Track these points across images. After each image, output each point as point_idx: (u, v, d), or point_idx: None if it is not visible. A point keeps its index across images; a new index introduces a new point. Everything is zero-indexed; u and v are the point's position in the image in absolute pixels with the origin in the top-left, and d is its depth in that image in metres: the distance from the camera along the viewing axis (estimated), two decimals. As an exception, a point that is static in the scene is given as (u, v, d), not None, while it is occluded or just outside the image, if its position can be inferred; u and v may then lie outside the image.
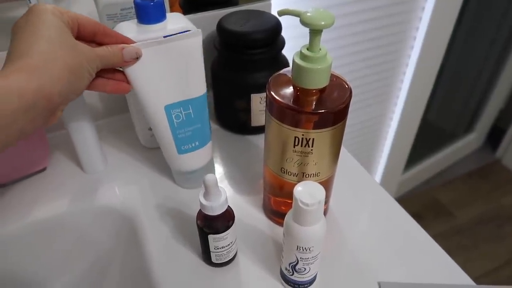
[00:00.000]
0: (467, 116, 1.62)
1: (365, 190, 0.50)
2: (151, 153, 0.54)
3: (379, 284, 0.40)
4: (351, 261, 0.42)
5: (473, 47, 1.33)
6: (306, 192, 0.32)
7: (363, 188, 0.51)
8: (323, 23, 0.32)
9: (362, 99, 0.93)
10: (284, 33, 0.54)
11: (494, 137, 1.72)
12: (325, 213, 0.46)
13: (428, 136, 1.47)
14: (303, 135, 0.36)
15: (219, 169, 0.53)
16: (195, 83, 0.43)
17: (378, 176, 1.18)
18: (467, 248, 1.38)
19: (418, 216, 1.52)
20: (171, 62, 0.40)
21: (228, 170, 0.53)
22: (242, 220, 0.46)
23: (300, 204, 0.32)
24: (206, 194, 0.36)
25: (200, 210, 0.37)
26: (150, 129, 0.53)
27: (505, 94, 1.62)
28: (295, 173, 0.39)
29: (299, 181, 0.38)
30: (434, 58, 0.97)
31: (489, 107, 1.59)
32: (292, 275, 0.37)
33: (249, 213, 0.47)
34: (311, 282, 0.38)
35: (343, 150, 0.55)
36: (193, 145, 0.46)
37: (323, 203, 0.32)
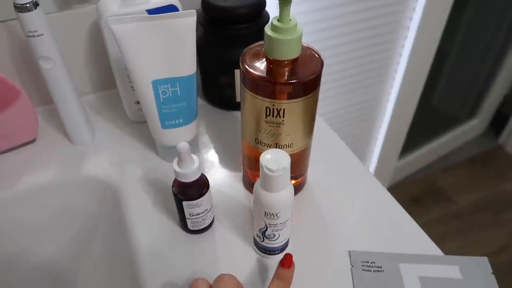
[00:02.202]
0: (470, 101, 1.60)
1: (343, 164, 0.51)
2: (138, 127, 0.55)
3: (349, 253, 0.41)
4: (324, 231, 0.43)
5: (478, 30, 1.31)
6: (272, 159, 0.33)
7: (341, 163, 0.51)
8: (291, -7, 0.33)
9: (357, 80, 0.93)
10: (271, 11, 0.54)
11: (497, 123, 1.70)
12: (302, 186, 0.47)
13: (430, 120, 1.46)
14: (273, 105, 0.36)
15: (204, 144, 0.54)
16: (184, 62, 0.43)
17: (374, 159, 1.18)
18: (464, 233, 1.38)
19: (417, 200, 1.52)
20: (163, 39, 0.41)
21: (213, 145, 0.54)
22: (223, 192, 0.47)
23: (266, 170, 0.33)
24: (180, 162, 0.37)
25: (175, 178, 0.39)
26: (137, 103, 0.54)
27: (510, 79, 1.59)
28: (268, 144, 0.40)
29: (271, 152, 0.39)
30: (431, 39, 0.96)
31: (493, 92, 1.57)
32: (262, 241, 0.38)
33: (230, 185, 0.48)
34: (282, 248, 0.40)
35: (323, 126, 0.55)
36: (177, 121, 0.47)
37: (289, 170, 0.33)
